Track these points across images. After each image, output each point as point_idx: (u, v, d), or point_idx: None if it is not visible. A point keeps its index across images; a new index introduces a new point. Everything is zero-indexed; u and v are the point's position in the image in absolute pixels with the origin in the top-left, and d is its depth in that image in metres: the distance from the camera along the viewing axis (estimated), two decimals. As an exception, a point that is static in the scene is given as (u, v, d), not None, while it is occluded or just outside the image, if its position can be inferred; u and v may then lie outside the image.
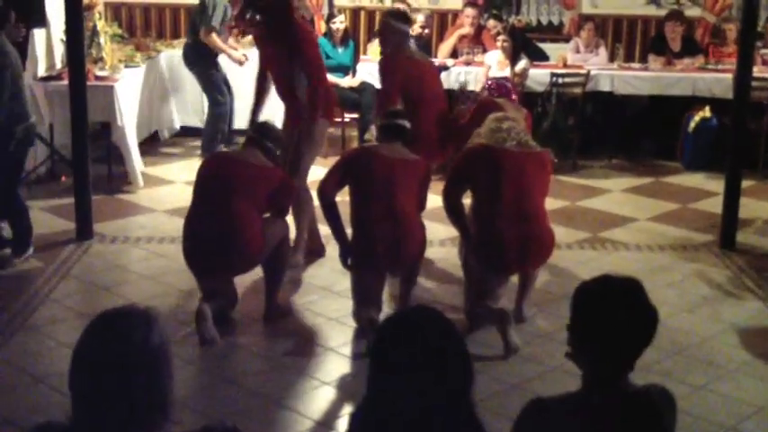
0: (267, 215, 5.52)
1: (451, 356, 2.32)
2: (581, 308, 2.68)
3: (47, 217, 7.36)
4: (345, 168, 5.50)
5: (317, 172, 6.43)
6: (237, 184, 5.32)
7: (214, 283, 5.38)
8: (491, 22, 10.16)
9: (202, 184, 5.45)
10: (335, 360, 5.12)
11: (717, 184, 7.96)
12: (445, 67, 9.25)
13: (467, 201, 5.65)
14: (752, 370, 5.07)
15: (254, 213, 5.34)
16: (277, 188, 5.47)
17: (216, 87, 9.14)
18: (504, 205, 5.31)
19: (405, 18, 7.09)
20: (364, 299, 5.35)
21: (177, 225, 7.05)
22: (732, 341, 5.42)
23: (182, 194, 7.92)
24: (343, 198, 5.56)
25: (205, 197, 5.39)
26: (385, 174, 5.37)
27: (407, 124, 5.65)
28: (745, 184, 7.17)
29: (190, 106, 10.06)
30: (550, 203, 6.20)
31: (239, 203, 5.27)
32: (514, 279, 5.62)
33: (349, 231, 5.44)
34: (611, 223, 7.59)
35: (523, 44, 9.62)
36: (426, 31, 9.61)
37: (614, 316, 2.62)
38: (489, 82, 7.54)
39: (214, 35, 8.95)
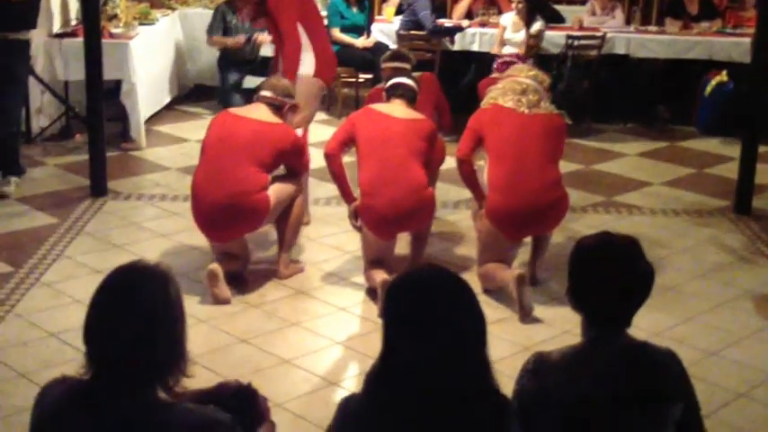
0: (279, 173, 5.51)
1: (464, 312, 2.32)
2: (579, 263, 2.71)
3: (61, 173, 7.39)
4: (350, 128, 5.48)
5: (327, 132, 6.40)
6: (243, 143, 5.26)
7: (224, 243, 5.39)
8: None
9: (209, 143, 5.41)
10: (347, 320, 5.13)
11: (732, 149, 7.92)
12: (460, 28, 9.19)
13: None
14: (765, 336, 5.06)
15: (261, 172, 5.28)
16: (286, 148, 5.40)
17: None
18: (512, 167, 5.29)
19: None
20: (374, 259, 5.35)
21: (189, 183, 7.08)
22: (746, 307, 5.40)
23: (195, 152, 7.88)
24: (352, 159, 5.56)
25: (211, 157, 5.34)
26: (387, 133, 5.35)
27: (412, 83, 5.62)
28: (762, 149, 7.11)
29: (205, 65, 10.03)
30: (564, 166, 6.17)
31: (245, 163, 5.23)
32: (527, 240, 5.61)
33: (357, 193, 5.43)
34: (625, 187, 7.56)
35: (539, 5, 9.54)
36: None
37: (611, 271, 2.64)
38: (498, 63, 7.37)
39: (215, 38, 9.17)
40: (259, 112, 5.43)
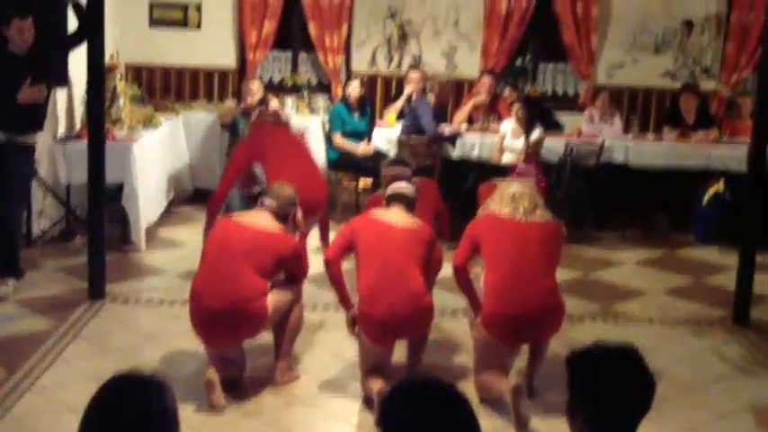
0: (279, 278, 5.52)
1: (460, 425, 2.30)
2: (580, 375, 2.67)
3: (60, 275, 7.39)
4: (350, 235, 5.51)
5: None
6: (244, 250, 5.27)
7: (221, 350, 5.36)
8: (507, 91, 10.25)
9: (210, 249, 5.43)
10: (344, 429, 5.08)
11: (730, 259, 7.92)
12: (458, 135, 9.29)
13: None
14: (766, 450, 5.01)
15: (261, 279, 5.28)
16: (287, 255, 5.41)
17: None
18: (509, 275, 5.30)
19: None
20: (372, 367, 5.32)
21: (189, 288, 7.08)
22: (747, 419, 5.36)
23: (194, 257, 7.90)
24: (352, 266, 5.57)
25: (211, 263, 5.35)
26: (387, 241, 5.38)
27: (410, 191, 5.67)
28: (760, 258, 7.13)
29: (205, 168, 10.14)
30: (563, 274, 6.20)
31: (245, 270, 5.22)
32: (525, 349, 5.58)
33: (356, 299, 5.44)
34: (623, 296, 7.56)
35: (540, 113, 9.70)
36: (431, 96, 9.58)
37: (612, 382, 2.61)
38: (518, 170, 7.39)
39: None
40: (261, 220, 5.46)
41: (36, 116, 6.94)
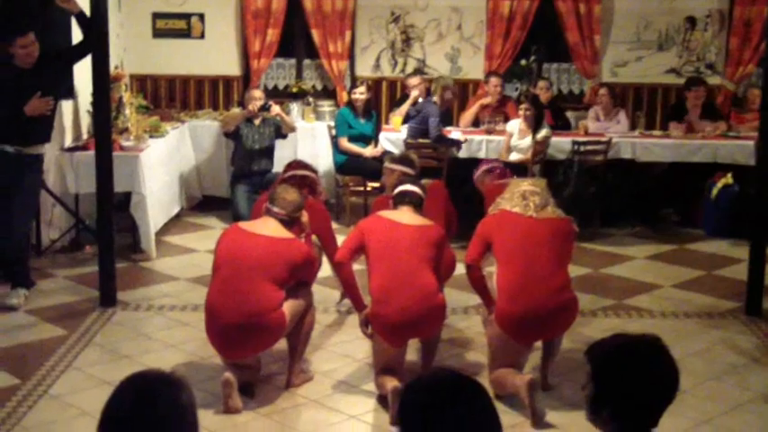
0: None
1: (480, 416, 2.29)
2: (602, 369, 2.64)
3: (70, 285, 7.40)
4: (359, 236, 5.50)
5: (337, 241, 6.42)
6: (257, 262, 5.21)
7: (237, 360, 5.33)
8: (541, 83, 10.21)
9: (221, 261, 5.35)
10: (359, 428, 5.07)
11: (741, 251, 7.92)
12: (460, 142, 9.18)
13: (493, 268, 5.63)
14: (782, 439, 4.99)
15: (276, 289, 5.24)
16: (299, 263, 5.35)
17: None
18: (521, 272, 5.29)
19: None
20: (385, 366, 5.31)
21: (200, 293, 7.08)
22: (761, 410, 5.33)
23: (203, 263, 7.95)
24: (362, 267, 5.56)
25: (225, 276, 5.28)
26: (396, 241, 5.37)
27: (419, 190, 5.67)
28: (770, 250, 7.12)
29: (214, 176, 10.18)
30: (573, 270, 6.16)
31: (260, 282, 5.18)
32: (538, 344, 5.57)
33: (368, 300, 5.43)
34: (635, 290, 7.54)
35: (555, 112, 9.73)
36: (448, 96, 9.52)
37: (639, 374, 2.59)
38: (489, 166, 6.79)
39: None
40: (270, 228, 5.41)
41: (43, 128, 6.95)
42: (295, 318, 5.38)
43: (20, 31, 6.70)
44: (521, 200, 5.50)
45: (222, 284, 5.27)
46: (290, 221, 5.47)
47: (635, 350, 2.66)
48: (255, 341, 5.24)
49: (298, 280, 5.46)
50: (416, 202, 5.64)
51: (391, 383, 5.10)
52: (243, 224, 5.61)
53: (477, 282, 5.56)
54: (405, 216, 5.54)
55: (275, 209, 5.46)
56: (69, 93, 8.31)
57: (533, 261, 5.32)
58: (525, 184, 5.69)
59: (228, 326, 5.16)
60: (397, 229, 5.43)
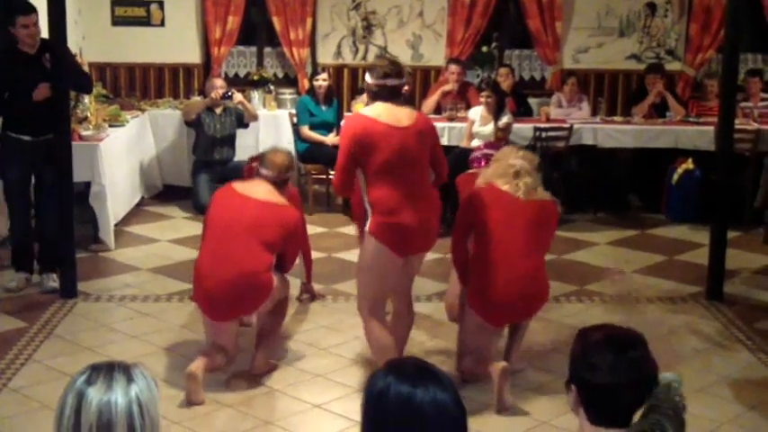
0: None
1: (450, 405, 2.26)
2: (589, 355, 2.63)
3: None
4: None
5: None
6: (250, 224, 5.25)
7: (221, 334, 5.30)
8: (503, 70, 10.22)
9: (214, 222, 5.39)
10: (323, 417, 5.04)
11: (702, 236, 7.97)
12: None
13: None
14: (744, 423, 5.02)
15: (267, 252, 5.27)
16: (291, 229, 5.40)
17: None
18: (499, 254, 5.24)
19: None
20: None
21: (162, 284, 7.05)
22: (723, 394, 5.37)
23: (165, 253, 7.91)
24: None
25: (218, 236, 5.32)
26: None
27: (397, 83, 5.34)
28: (731, 234, 7.17)
29: (174, 166, 10.09)
30: (537, 257, 6.16)
31: (252, 243, 5.21)
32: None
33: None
34: (597, 276, 7.57)
35: (517, 98, 9.74)
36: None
37: (621, 369, 2.59)
38: (479, 154, 6.82)
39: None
40: (262, 190, 5.43)
41: (52, 115, 6.81)
42: (274, 298, 5.40)
43: (22, 10, 6.63)
44: (512, 178, 5.37)
45: (214, 244, 5.32)
46: (280, 183, 5.52)
47: (622, 342, 2.66)
48: (246, 301, 5.27)
49: (283, 252, 5.45)
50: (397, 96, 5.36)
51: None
52: (236, 185, 5.57)
53: (458, 259, 5.49)
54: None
55: (265, 171, 5.51)
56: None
57: (512, 243, 5.24)
58: (520, 159, 5.48)
59: (219, 283, 5.17)
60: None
